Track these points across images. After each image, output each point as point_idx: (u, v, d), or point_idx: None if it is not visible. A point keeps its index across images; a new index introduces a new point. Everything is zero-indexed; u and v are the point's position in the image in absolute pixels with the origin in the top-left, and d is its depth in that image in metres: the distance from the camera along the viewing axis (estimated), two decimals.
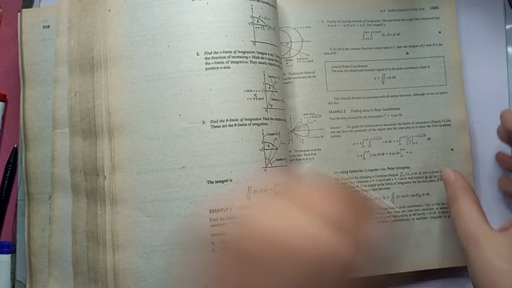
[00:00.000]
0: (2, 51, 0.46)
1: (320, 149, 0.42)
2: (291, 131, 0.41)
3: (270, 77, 0.36)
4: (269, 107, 0.36)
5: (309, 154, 0.41)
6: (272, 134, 0.36)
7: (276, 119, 0.36)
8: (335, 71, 0.43)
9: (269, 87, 0.36)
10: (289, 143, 0.41)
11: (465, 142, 0.43)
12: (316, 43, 0.43)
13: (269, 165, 0.35)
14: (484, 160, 0.44)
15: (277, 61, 0.38)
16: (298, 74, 0.42)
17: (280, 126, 0.37)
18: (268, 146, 0.35)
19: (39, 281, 0.39)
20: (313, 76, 0.42)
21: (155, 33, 0.36)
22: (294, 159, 0.41)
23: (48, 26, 0.42)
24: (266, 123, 0.35)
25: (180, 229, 0.34)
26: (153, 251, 0.34)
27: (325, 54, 0.43)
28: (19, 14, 0.43)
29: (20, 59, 0.42)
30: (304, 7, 0.43)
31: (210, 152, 0.34)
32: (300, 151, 0.41)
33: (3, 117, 0.45)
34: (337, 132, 0.42)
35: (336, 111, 0.42)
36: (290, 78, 0.42)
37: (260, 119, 0.35)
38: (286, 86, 0.42)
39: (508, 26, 0.46)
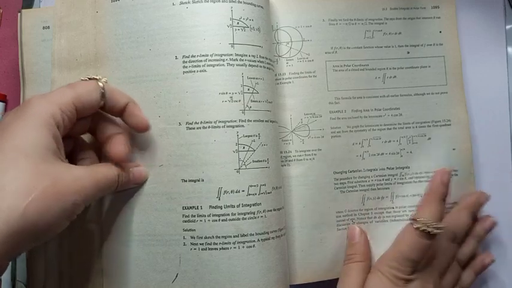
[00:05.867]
0: (2, 52, 0.46)
1: (320, 149, 0.41)
2: (291, 131, 0.41)
3: (250, 78, 0.37)
4: (247, 108, 0.36)
5: (310, 154, 0.41)
6: (249, 136, 0.36)
7: (255, 121, 0.37)
8: (336, 71, 0.42)
9: (248, 89, 0.37)
10: (288, 143, 0.41)
11: (466, 142, 0.43)
12: (317, 42, 0.43)
13: (243, 166, 0.36)
14: (484, 159, 0.44)
15: (260, 62, 0.38)
16: (298, 73, 0.42)
17: (261, 128, 0.37)
18: (244, 147, 0.36)
19: (39, 281, 0.39)
20: (314, 76, 0.42)
21: (138, 37, 0.37)
22: (295, 160, 0.41)
23: (48, 26, 0.42)
24: (242, 125, 0.36)
25: (156, 222, 0.36)
26: (132, 240, 0.37)
27: (326, 53, 0.43)
28: (19, 14, 0.43)
29: (20, 60, 0.42)
30: (305, 6, 0.43)
31: (185, 152, 0.36)
32: (300, 151, 0.41)
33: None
34: (338, 132, 0.42)
35: (336, 111, 0.42)
36: (290, 78, 0.42)
37: (235, 121, 0.36)
38: (286, 86, 0.42)
39: (508, 26, 0.46)
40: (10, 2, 0.47)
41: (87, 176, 0.30)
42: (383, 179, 0.42)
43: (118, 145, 0.34)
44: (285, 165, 0.41)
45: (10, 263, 0.41)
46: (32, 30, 0.42)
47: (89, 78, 0.34)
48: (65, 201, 0.28)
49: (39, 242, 0.28)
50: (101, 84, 0.33)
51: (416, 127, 0.43)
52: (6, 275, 0.41)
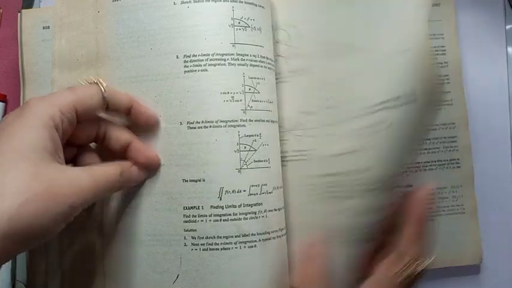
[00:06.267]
0: (2, 52, 0.46)
1: (316, 149, 0.41)
2: (288, 131, 0.41)
3: (252, 78, 0.37)
4: (248, 108, 0.36)
5: (305, 154, 0.41)
6: (250, 136, 0.36)
7: (256, 120, 0.37)
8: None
9: (249, 89, 0.37)
10: (285, 143, 0.41)
11: (465, 142, 0.43)
12: (314, 41, 0.42)
13: (244, 166, 0.36)
14: (484, 160, 0.44)
15: (261, 62, 0.38)
16: (294, 72, 0.42)
17: (262, 127, 0.37)
18: (245, 147, 0.36)
19: (39, 281, 0.39)
20: (310, 73, 0.42)
21: (139, 36, 0.37)
22: (291, 159, 0.41)
23: (48, 26, 0.42)
24: (244, 125, 0.36)
25: (157, 222, 0.36)
26: (133, 240, 0.36)
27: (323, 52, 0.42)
28: (19, 14, 0.43)
29: (20, 60, 0.42)
30: (304, 4, 0.42)
31: (186, 152, 0.36)
32: (296, 151, 0.41)
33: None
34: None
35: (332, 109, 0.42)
36: (287, 77, 0.42)
37: (237, 120, 0.36)
38: (281, 85, 0.41)
39: (508, 26, 0.46)
40: (10, 2, 0.47)
41: (85, 177, 0.30)
42: None
43: (147, 151, 0.35)
44: (283, 166, 0.41)
45: (10, 263, 0.41)
46: (32, 30, 0.42)
47: (89, 83, 0.34)
48: (62, 204, 0.27)
49: (34, 244, 0.27)
50: (102, 88, 0.33)
51: None
52: (6, 275, 0.41)
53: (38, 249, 0.39)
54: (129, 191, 0.37)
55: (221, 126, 0.35)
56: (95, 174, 0.31)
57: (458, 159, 0.43)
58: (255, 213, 0.35)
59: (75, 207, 0.28)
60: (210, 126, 0.35)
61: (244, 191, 0.35)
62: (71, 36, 0.39)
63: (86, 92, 0.32)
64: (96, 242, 0.37)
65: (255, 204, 0.35)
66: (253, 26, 0.37)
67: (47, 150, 0.28)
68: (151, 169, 0.36)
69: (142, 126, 0.36)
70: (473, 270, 0.43)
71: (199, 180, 0.35)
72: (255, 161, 0.36)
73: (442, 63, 0.43)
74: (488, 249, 0.43)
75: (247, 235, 0.35)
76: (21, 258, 0.41)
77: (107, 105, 0.34)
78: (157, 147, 0.36)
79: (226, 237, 0.35)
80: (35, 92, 0.42)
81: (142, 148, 0.35)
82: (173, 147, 0.36)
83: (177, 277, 0.36)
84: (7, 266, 0.41)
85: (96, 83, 0.34)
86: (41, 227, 0.27)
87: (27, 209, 0.26)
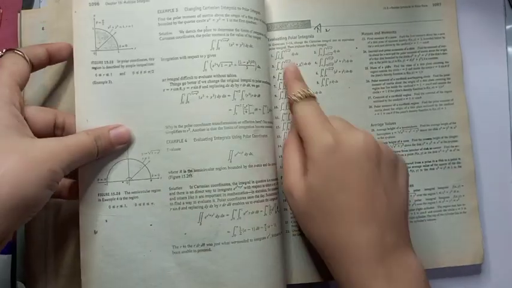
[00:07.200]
0: None
1: None
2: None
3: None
4: None
5: None
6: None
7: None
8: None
9: None
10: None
11: (466, 141, 0.43)
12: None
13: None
14: (484, 160, 0.44)
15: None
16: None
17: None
18: None
19: (38, 281, 0.39)
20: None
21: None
22: None
23: None
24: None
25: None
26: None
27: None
28: (19, 14, 0.43)
29: None
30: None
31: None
32: None
33: None
34: None
35: None
36: None
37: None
38: None
39: (508, 26, 0.46)
40: (10, 2, 0.47)
41: (55, 143, 0.31)
42: None
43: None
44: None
45: (10, 263, 0.41)
46: (32, 30, 0.42)
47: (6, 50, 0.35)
48: (40, 170, 0.28)
49: (25, 215, 0.29)
50: (19, 52, 0.34)
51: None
52: (6, 275, 0.41)
53: (37, 249, 0.39)
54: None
55: None
56: (65, 140, 0.32)
57: (459, 158, 0.43)
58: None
59: (54, 170, 0.29)
60: None
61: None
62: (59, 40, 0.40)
63: (14, 63, 0.34)
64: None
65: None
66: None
67: (13, 127, 0.30)
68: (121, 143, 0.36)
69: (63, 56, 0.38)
70: (474, 270, 0.43)
71: None
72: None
73: (443, 63, 0.43)
74: (489, 249, 0.43)
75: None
76: (21, 258, 0.41)
77: (32, 65, 0.35)
78: None
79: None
80: (34, 92, 0.42)
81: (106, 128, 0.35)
82: None
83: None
84: (7, 266, 0.41)
85: (14, 52, 0.35)
86: (26, 196, 0.28)
87: (7, 180, 0.27)
